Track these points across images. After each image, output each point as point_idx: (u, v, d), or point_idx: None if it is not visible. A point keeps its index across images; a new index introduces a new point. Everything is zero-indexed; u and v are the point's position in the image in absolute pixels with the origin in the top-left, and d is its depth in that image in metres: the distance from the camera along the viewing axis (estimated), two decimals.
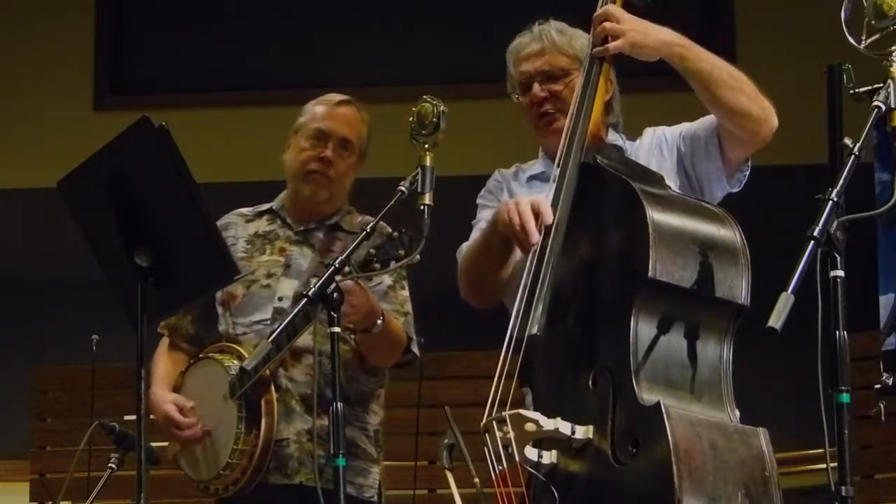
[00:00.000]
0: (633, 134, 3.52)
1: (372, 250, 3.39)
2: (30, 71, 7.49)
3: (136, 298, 3.23)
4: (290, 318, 3.38)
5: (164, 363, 4.02)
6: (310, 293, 3.29)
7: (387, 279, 3.93)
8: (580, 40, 3.42)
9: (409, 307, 3.98)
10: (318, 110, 4.04)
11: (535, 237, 3.07)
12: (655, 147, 3.44)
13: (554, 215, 3.10)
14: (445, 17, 7.54)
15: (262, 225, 4.08)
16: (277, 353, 3.57)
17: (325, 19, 7.55)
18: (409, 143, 3.33)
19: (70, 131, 7.16)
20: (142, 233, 3.24)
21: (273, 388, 3.80)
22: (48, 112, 7.42)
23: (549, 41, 3.46)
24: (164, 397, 3.88)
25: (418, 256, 3.34)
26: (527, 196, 3.21)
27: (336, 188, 4.00)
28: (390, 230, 3.49)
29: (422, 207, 3.25)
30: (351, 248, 3.38)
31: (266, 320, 3.90)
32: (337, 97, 4.07)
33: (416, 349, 3.97)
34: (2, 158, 7.39)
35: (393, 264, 3.86)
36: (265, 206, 4.12)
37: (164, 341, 4.07)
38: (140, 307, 3.23)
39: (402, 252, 3.86)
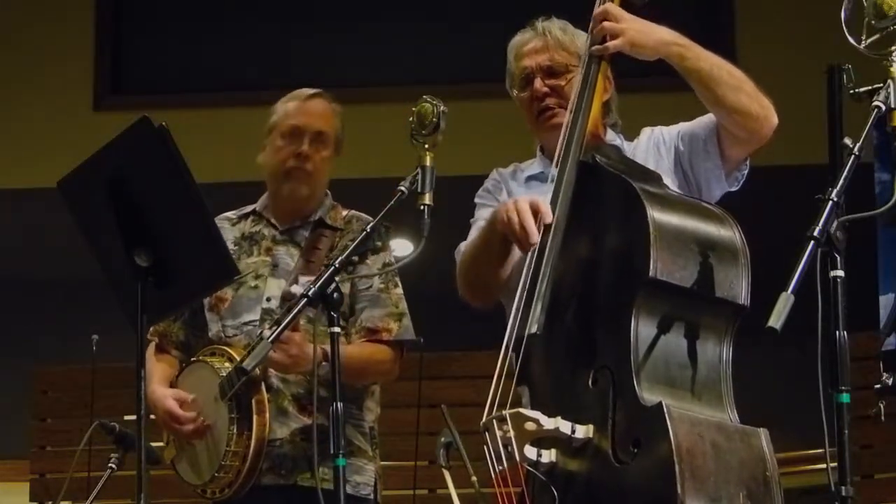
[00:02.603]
0: (631, 134, 3.52)
1: (348, 243, 3.37)
2: (30, 71, 7.48)
3: (136, 298, 3.23)
4: (290, 318, 3.37)
5: (156, 364, 4.00)
6: (310, 293, 3.28)
7: (376, 281, 3.92)
8: (582, 39, 3.42)
9: (403, 306, 3.96)
10: (290, 107, 4.03)
11: (535, 237, 3.06)
12: (653, 146, 3.44)
13: (553, 214, 3.10)
14: (446, 18, 7.53)
15: (248, 226, 4.08)
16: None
17: (326, 20, 7.55)
18: (409, 143, 3.33)
19: (70, 131, 7.16)
20: (142, 233, 3.24)
21: (264, 388, 3.79)
22: (48, 112, 7.41)
23: (551, 37, 3.46)
24: (163, 393, 3.87)
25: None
26: (526, 196, 3.20)
27: (315, 182, 4.00)
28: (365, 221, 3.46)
29: (422, 207, 3.24)
30: (351, 247, 3.37)
31: (255, 321, 3.90)
32: (306, 92, 4.07)
33: (410, 339, 3.94)
34: (2, 158, 7.38)
35: (370, 256, 3.87)
36: (249, 208, 4.11)
37: (152, 346, 4.02)
38: (140, 307, 3.23)
39: (379, 244, 3.87)
